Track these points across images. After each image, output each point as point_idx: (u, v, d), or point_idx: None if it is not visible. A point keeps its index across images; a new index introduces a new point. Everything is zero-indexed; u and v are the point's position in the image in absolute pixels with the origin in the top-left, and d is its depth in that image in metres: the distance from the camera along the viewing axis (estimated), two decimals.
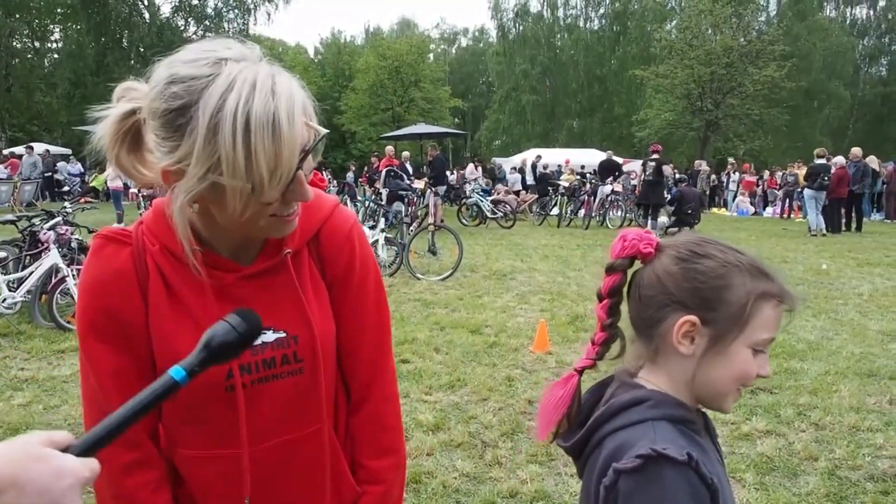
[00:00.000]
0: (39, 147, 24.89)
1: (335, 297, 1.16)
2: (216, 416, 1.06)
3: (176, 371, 0.81)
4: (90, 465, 0.72)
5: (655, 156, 14.22)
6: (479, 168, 23.40)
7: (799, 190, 19.36)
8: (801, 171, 19.22)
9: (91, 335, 1.04)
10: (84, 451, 0.73)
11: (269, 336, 1.08)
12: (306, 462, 1.13)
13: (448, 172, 20.85)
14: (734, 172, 24.42)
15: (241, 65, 0.89)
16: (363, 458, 1.20)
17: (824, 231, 14.84)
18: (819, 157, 15.16)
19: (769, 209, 22.34)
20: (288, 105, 0.89)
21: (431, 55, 50.46)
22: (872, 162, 18.13)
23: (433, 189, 11.48)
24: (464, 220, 17.04)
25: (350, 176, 25.98)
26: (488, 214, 16.68)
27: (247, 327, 0.87)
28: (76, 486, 0.69)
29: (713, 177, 25.08)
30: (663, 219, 14.73)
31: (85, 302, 1.05)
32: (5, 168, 21.14)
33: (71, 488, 0.69)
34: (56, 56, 39.58)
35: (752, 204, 22.82)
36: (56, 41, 40.07)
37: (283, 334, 1.09)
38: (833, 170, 15.15)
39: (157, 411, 1.09)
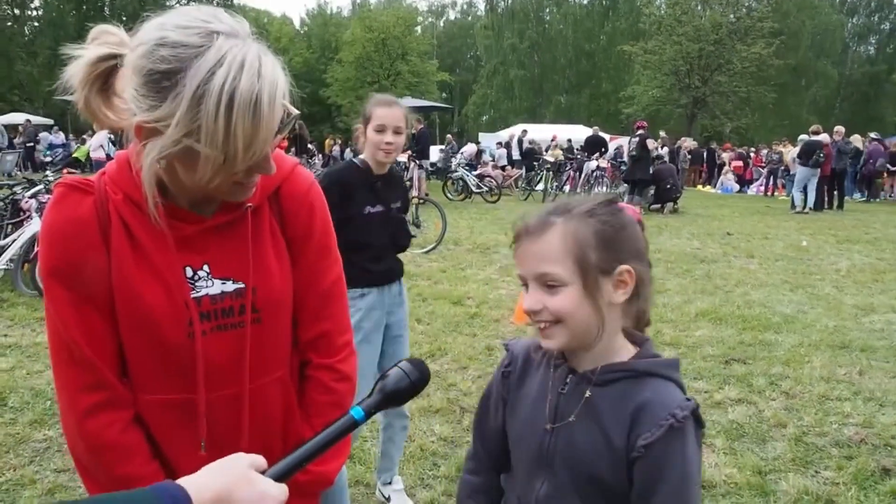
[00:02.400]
0: (20, 116, 24.50)
1: (294, 252, 1.21)
2: (176, 361, 1.10)
3: (356, 411, 0.94)
4: (283, 490, 0.84)
5: (640, 132, 14.27)
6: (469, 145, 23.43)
7: (783, 168, 19.50)
8: (786, 150, 19.34)
9: (54, 281, 1.07)
10: (279, 476, 0.85)
11: (228, 286, 1.12)
12: (264, 408, 1.19)
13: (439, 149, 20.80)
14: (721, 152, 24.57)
15: (231, 41, 0.93)
16: (315, 395, 1.27)
17: (811, 208, 14.96)
18: (815, 133, 15.20)
19: (753, 187, 22.49)
20: (271, 89, 0.94)
21: (419, 28, 49.82)
22: (857, 141, 18.23)
23: (417, 162, 11.47)
24: (449, 195, 17.03)
25: (336, 149, 25.80)
26: (473, 189, 16.68)
27: (418, 375, 0.98)
28: None
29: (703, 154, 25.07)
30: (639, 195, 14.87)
31: (47, 249, 1.07)
32: None
33: None
34: (36, 24, 38.76)
35: (738, 182, 22.96)
36: (36, 9, 39.19)
37: (242, 285, 1.13)
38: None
39: (122, 355, 1.12)
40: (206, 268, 1.11)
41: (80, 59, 1.03)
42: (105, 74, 1.04)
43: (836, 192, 16.17)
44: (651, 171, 14.72)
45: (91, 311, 1.07)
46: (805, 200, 15.04)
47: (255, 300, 1.13)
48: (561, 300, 1.05)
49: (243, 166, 0.97)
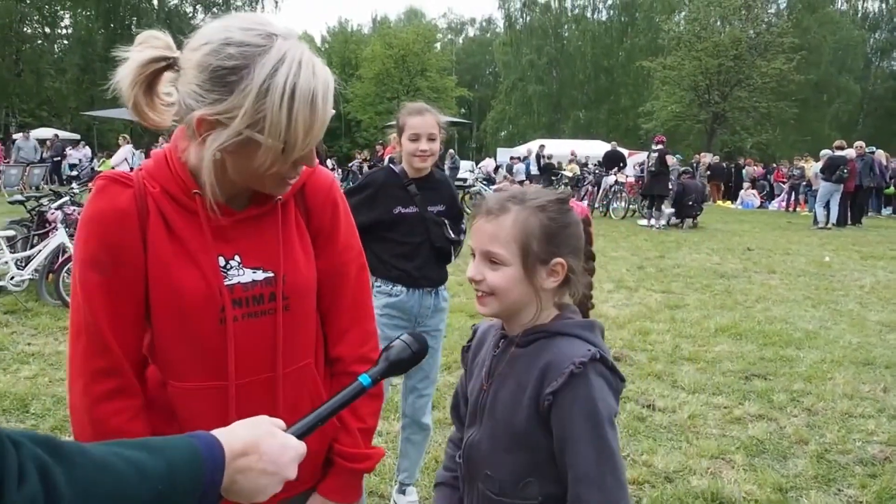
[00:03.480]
0: (49, 132, 25.04)
1: (319, 246, 1.26)
2: (209, 348, 1.14)
3: (363, 378, 1.03)
4: (303, 445, 0.91)
5: (659, 146, 14.22)
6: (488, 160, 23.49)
7: (805, 183, 19.27)
8: (808, 165, 19.12)
9: (89, 267, 1.11)
10: (298, 434, 0.92)
11: (258, 275, 1.17)
12: (294, 396, 1.21)
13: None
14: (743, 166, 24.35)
15: (289, 42, 1.03)
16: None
17: (834, 223, 14.76)
18: (839, 148, 15.06)
19: (774, 202, 22.26)
20: (324, 86, 1.05)
21: (438, 45, 50.26)
22: (881, 157, 18.01)
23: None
24: (467, 209, 17.05)
25: (355, 164, 25.96)
26: None
27: (418, 346, 1.10)
28: (296, 459, 0.89)
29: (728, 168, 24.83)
30: (670, 210, 14.74)
31: (86, 235, 1.11)
32: None
33: (292, 460, 0.88)
34: (66, 42, 39.72)
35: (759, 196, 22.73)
36: (66, 27, 40.20)
37: (272, 274, 1.18)
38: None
39: (148, 343, 1.16)
40: (237, 258, 1.16)
41: (131, 61, 1.09)
42: (152, 76, 1.10)
43: (854, 209, 15.91)
44: (676, 187, 14.69)
45: (121, 298, 1.11)
46: (828, 216, 14.85)
47: (284, 288, 1.18)
48: (499, 277, 1.21)
49: (298, 155, 1.06)
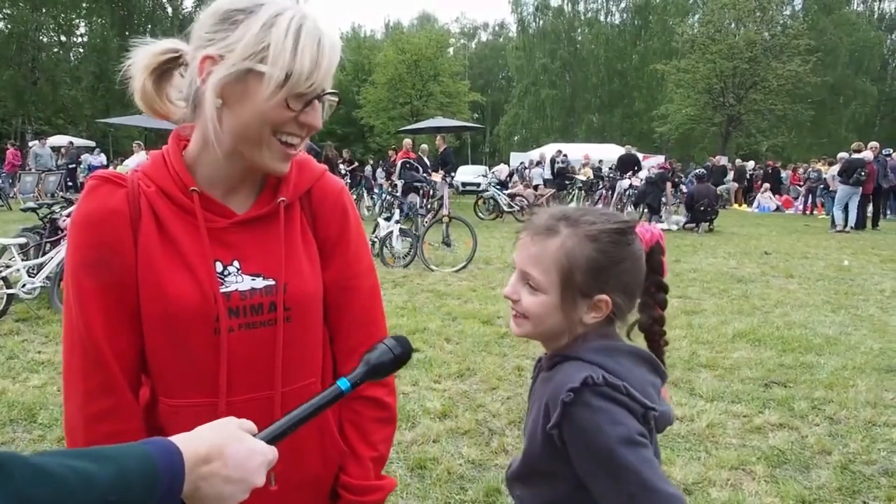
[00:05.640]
0: (64, 139, 25.30)
1: (326, 256, 1.18)
2: (201, 361, 1.06)
3: (342, 382, 0.96)
4: (273, 451, 0.86)
5: (661, 171, 14.65)
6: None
7: (822, 186, 19.04)
8: (825, 168, 18.90)
9: (81, 271, 1.05)
10: (269, 439, 0.87)
11: (258, 282, 1.09)
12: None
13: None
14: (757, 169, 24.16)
15: (298, 7, 1.03)
16: (356, 417, 1.21)
17: (853, 226, 14.58)
18: (857, 151, 14.90)
19: (792, 206, 22.00)
20: (331, 39, 1.03)
21: (451, 49, 50.24)
22: None
23: (445, 180, 11.48)
24: (480, 214, 17.01)
25: (368, 169, 26.00)
26: (505, 208, 16.63)
27: (401, 350, 1.01)
28: (264, 465, 0.83)
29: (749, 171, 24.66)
30: (677, 217, 14.80)
31: (77, 238, 1.06)
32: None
33: (260, 466, 0.83)
34: (81, 50, 40.20)
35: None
36: (81, 35, 40.68)
37: (273, 282, 1.10)
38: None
39: (143, 358, 1.09)
40: (236, 263, 1.09)
41: (146, 47, 1.09)
42: (165, 65, 1.10)
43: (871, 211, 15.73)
44: (689, 190, 14.78)
45: (115, 305, 1.04)
46: (846, 219, 14.64)
47: (286, 298, 1.10)
48: (535, 303, 1.12)
49: (303, 89, 1.00)
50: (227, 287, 1.07)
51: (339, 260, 1.18)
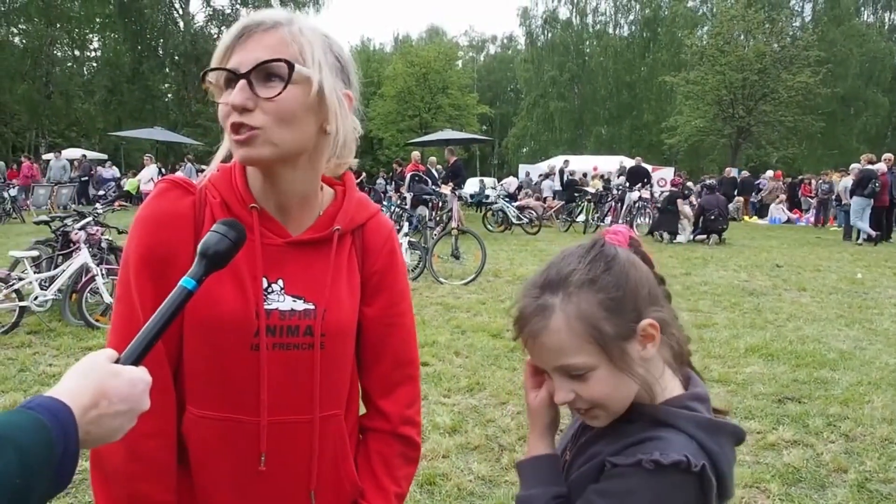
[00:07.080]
0: (77, 152, 25.54)
1: (370, 293, 1.19)
2: (233, 374, 1.06)
3: (186, 281, 0.90)
4: (145, 371, 0.84)
5: (672, 188, 14.51)
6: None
7: (834, 198, 18.90)
8: (838, 178, 18.77)
9: (138, 266, 1.06)
10: (133, 360, 0.84)
11: (298, 304, 1.10)
12: (313, 446, 1.12)
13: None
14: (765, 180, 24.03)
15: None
16: (387, 450, 1.21)
17: (866, 238, 14.49)
18: (869, 163, 14.87)
19: (803, 218, 21.87)
20: (247, 19, 1.03)
21: (460, 62, 50.45)
22: None
23: (455, 192, 11.49)
24: (489, 226, 16.99)
25: (381, 182, 26.04)
26: (513, 220, 16.61)
27: (234, 234, 0.95)
28: (147, 390, 0.83)
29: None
30: (681, 237, 14.79)
31: (139, 234, 1.07)
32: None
33: (143, 392, 0.82)
34: (94, 64, 40.69)
35: (788, 210, 22.36)
36: (94, 50, 41.22)
37: (312, 306, 1.10)
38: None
39: (181, 371, 1.09)
40: (280, 282, 1.09)
41: None
42: None
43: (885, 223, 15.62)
44: (698, 202, 14.72)
45: None
46: (859, 231, 14.57)
47: (323, 324, 1.10)
48: (593, 387, 0.97)
49: (214, 67, 1.03)
50: (268, 304, 1.08)
51: (384, 296, 1.19)
